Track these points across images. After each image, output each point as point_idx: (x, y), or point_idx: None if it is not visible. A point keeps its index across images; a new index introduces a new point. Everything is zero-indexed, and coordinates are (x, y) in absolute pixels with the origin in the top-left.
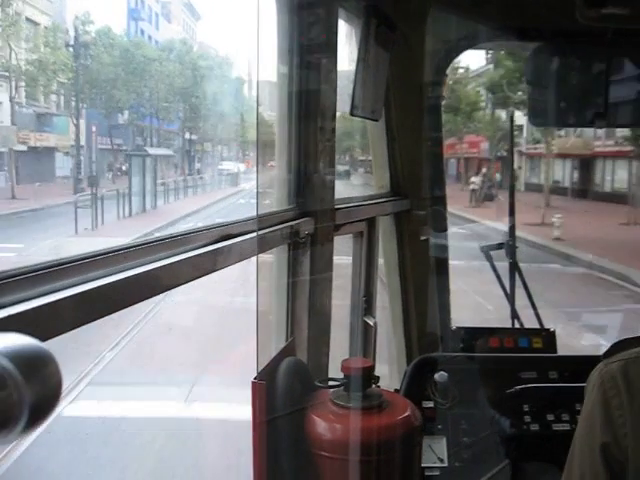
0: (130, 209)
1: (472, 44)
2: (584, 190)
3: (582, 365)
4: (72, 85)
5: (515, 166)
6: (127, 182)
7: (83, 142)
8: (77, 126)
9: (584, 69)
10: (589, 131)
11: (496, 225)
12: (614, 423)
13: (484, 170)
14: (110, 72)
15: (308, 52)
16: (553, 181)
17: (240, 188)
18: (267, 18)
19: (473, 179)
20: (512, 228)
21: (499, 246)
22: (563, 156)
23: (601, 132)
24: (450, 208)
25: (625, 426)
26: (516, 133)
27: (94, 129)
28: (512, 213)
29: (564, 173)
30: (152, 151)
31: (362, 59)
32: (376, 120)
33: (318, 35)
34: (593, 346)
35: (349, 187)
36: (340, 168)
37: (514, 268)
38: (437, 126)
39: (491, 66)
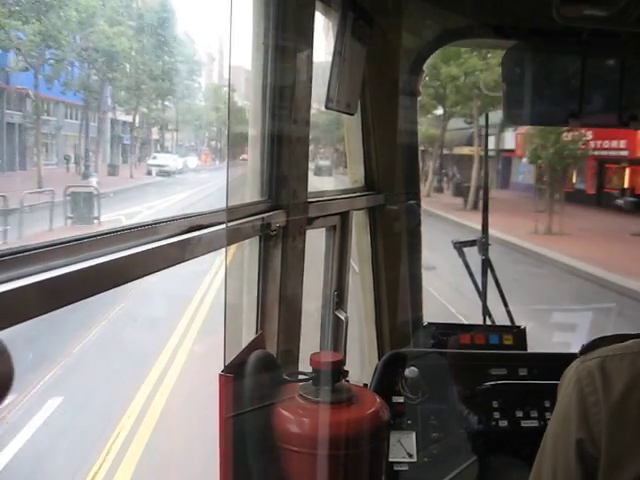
0: None
1: (448, 40)
2: None
3: (552, 362)
4: None
5: None
6: None
7: None
8: None
9: (560, 68)
10: None
11: None
12: (590, 420)
13: None
14: None
15: (284, 43)
16: None
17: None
18: (242, 5)
19: None
20: (485, 225)
21: (472, 243)
22: None
23: None
24: None
25: (600, 423)
26: None
27: None
28: (486, 210)
29: None
30: None
31: (338, 52)
32: (351, 114)
33: (294, 27)
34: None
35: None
36: (321, 163)
37: (486, 265)
38: (413, 121)
39: None
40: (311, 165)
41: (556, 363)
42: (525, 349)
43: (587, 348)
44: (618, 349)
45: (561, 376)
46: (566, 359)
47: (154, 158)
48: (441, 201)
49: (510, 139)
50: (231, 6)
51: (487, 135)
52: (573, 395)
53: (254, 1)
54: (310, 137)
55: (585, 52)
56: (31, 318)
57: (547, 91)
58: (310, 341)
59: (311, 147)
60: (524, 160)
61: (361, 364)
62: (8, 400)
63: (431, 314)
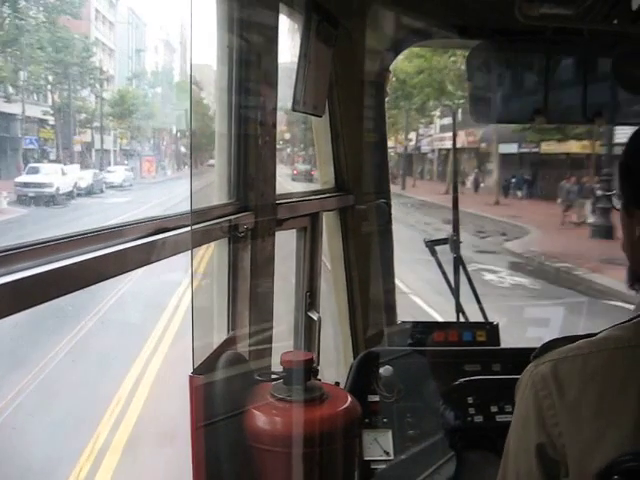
0: None
1: (414, 41)
2: None
3: (524, 357)
4: None
5: None
6: None
7: None
8: None
9: (524, 67)
10: None
11: None
12: (547, 424)
13: None
14: None
15: (248, 46)
16: None
17: None
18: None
19: None
20: (456, 223)
21: (444, 241)
22: None
23: None
24: None
25: (558, 425)
26: None
27: None
28: (456, 207)
29: None
30: None
31: (304, 55)
32: (319, 116)
33: (259, 29)
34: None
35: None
36: (300, 167)
37: (458, 262)
38: (381, 122)
39: None
40: (289, 170)
41: (529, 358)
42: (498, 345)
43: (539, 352)
44: (570, 351)
45: None
46: None
47: (31, 171)
48: None
49: None
50: (191, 5)
51: (455, 133)
52: (529, 400)
53: (217, 3)
54: (288, 138)
55: (549, 50)
56: None
57: (512, 89)
58: (284, 343)
59: (289, 150)
60: None
61: (337, 364)
62: None
63: None
